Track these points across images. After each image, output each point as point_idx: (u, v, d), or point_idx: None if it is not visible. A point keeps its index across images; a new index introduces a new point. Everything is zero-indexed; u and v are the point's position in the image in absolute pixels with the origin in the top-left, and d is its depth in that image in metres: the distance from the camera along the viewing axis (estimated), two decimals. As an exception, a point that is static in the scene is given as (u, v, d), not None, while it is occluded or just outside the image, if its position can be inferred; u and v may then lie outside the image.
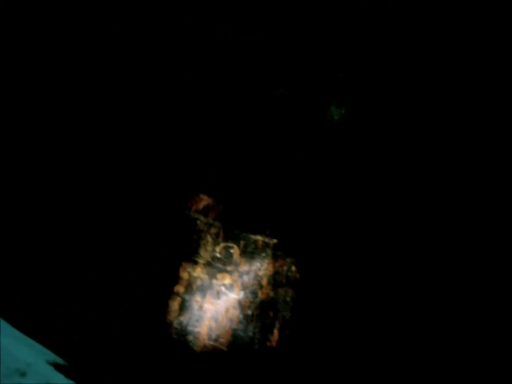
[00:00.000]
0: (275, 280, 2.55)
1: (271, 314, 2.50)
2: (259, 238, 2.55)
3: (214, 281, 2.56)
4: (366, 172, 2.81)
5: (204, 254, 2.58)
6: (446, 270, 2.73)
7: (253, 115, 2.85)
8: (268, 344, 2.38)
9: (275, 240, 2.59)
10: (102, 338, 2.33)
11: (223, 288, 2.50)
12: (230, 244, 2.58)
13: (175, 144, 2.93)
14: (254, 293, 2.52)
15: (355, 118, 2.80)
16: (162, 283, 2.75)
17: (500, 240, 2.72)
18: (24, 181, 2.93)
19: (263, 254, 2.56)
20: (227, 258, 2.57)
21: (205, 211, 2.62)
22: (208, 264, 2.59)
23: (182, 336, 2.38)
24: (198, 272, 2.58)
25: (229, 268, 2.58)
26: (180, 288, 2.58)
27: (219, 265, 2.58)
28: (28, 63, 2.89)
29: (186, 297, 2.54)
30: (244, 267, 2.55)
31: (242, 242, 2.59)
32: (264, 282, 2.57)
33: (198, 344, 2.35)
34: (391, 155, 2.79)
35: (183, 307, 2.51)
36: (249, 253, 2.60)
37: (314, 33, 2.76)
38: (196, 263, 2.59)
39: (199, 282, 2.57)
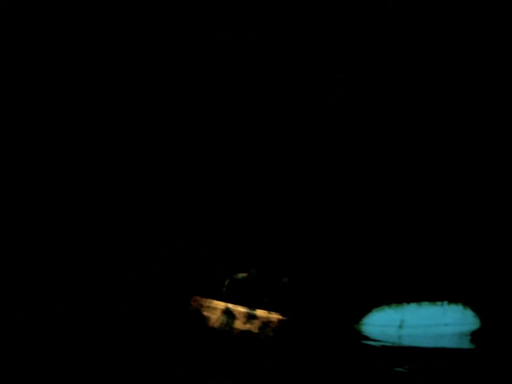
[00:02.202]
0: None
1: None
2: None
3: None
4: (366, 172, 2.81)
5: None
6: (446, 273, 2.73)
7: (253, 115, 2.85)
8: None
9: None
10: (102, 338, 2.33)
11: None
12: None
13: (175, 144, 2.93)
14: None
15: (354, 118, 2.81)
16: (162, 283, 2.75)
17: (500, 240, 2.72)
18: (24, 181, 2.93)
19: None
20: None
21: None
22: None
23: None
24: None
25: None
26: None
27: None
28: (28, 63, 2.89)
29: None
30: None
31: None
32: None
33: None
34: (391, 155, 2.79)
35: None
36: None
37: (314, 33, 2.76)
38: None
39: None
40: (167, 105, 2.91)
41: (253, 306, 2.50)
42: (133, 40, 2.83)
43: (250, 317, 2.48)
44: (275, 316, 2.47)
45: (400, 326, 2.55)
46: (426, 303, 2.58)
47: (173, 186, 2.94)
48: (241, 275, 2.70)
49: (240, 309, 2.49)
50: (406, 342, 2.49)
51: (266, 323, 2.46)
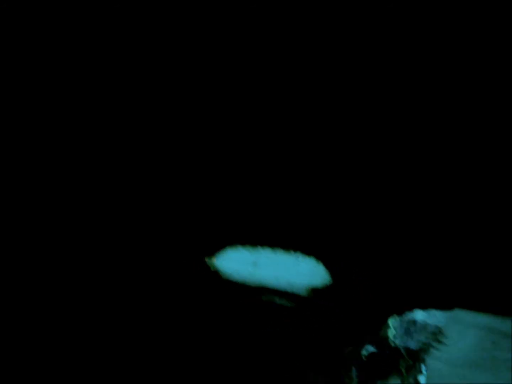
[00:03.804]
0: None
1: None
2: None
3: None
4: (366, 173, 2.81)
5: None
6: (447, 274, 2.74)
7: (253, 116, 2.85)
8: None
9: None
10: (102, 338, 2.33)
11: None
12: None
13: (175, 144, 2.93)
14: None
15: (354, 118, 2.81)
16: (162, 282, 2.75)
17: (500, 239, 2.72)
18: (24, 181, 2.94)
19: None
20: None
21: None
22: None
23: None
24: None
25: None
26: None
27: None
28: (28, 63, 2.89)
29: None
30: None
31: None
32: None
33: None
34: (391, 155, 2.79)
35: None
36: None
37: (313, 33, 2.76)
38: None
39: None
40: (167, 105, 2.91)
41: None
42: (133, 40, 2.83)
43: None
44: None
45: (254, 267, 2.71)
46: (280, 249, 2.74)
47: (173, 185, 2.94)
48: None
49: None
50: (258, 282, 2.65)
51: None
